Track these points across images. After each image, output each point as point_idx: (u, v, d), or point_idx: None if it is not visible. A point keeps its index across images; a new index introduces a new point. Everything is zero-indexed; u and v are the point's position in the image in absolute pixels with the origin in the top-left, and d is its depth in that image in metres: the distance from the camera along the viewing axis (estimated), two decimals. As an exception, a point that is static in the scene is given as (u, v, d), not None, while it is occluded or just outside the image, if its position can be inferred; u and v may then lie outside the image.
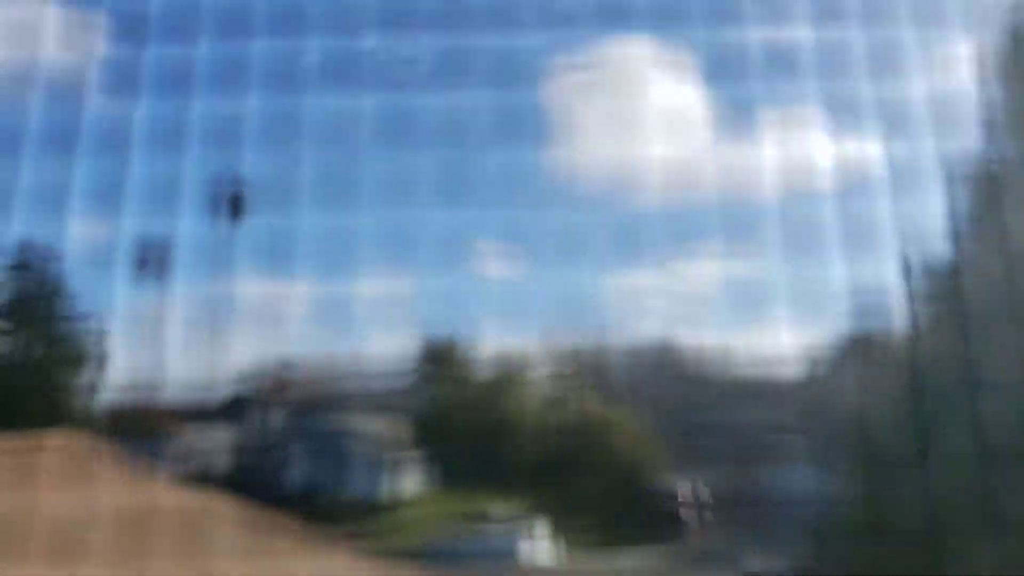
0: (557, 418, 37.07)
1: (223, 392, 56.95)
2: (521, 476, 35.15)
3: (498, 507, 35.51)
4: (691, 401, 45.27)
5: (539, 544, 28.82)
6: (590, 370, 73.21)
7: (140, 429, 51.04)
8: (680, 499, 32.89)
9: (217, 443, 50.86)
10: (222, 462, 47.93)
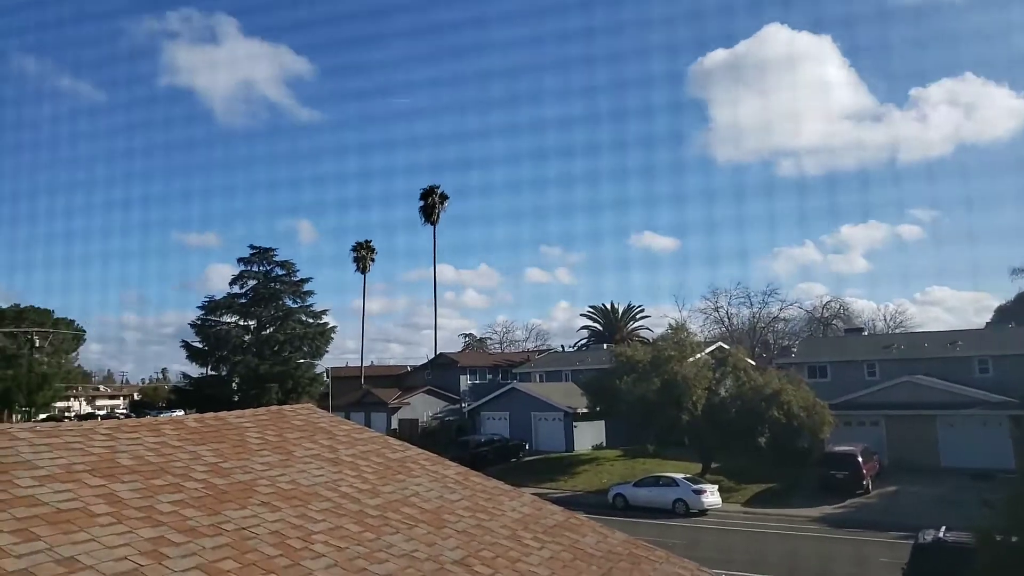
0: (728, 383, 36.53)
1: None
2: (696, 436, 35.58)
3: (673, 465, 36.36)
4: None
5: (710, 497, 29.54)
6: (756, 336, 70.47)
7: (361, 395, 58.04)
8: (849, 462, 31.55)
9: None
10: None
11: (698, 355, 38.03)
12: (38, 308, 68.97)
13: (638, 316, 76.48)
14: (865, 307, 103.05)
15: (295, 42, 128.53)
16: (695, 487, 30.10)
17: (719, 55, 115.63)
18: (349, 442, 8.71)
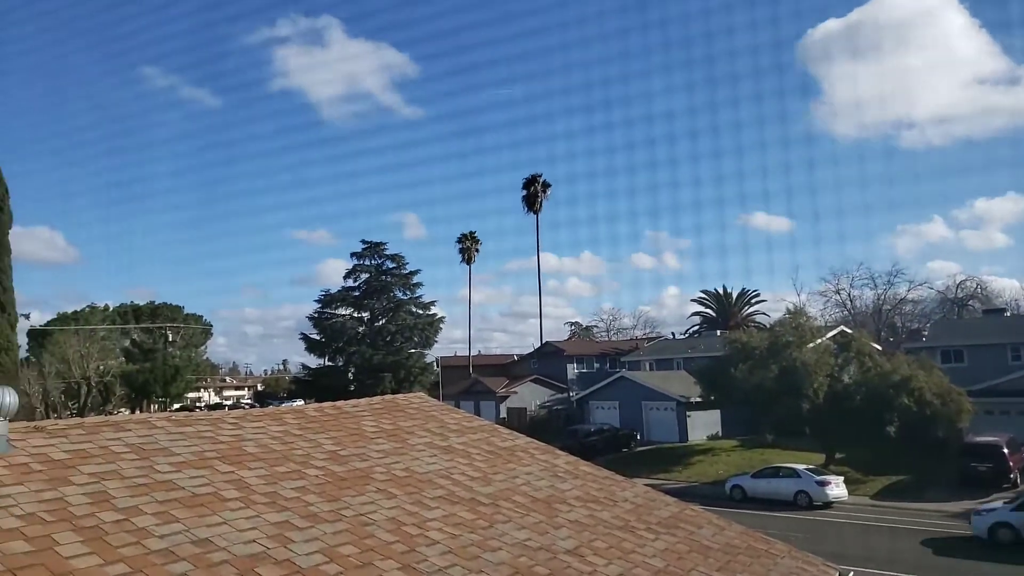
0: (852, 369, 34.62)
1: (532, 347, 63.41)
2: (817, 426, 33.99)
3: (793, 456, 34.93)
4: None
5: (835, 490, 28.15)
6: (882, 319, 65.70)
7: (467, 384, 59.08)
8: (993, 453, 29.14)
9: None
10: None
11: (818, 340, 36.20)
12: (170, 304, 74.61)
13: (753, 301, 73.76)
14: (1007, 286, 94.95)
15: (397, 40, 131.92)
16: (818, 478, 28.72)
17: (831, 25, 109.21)
18: (460, 430, 8.82)
